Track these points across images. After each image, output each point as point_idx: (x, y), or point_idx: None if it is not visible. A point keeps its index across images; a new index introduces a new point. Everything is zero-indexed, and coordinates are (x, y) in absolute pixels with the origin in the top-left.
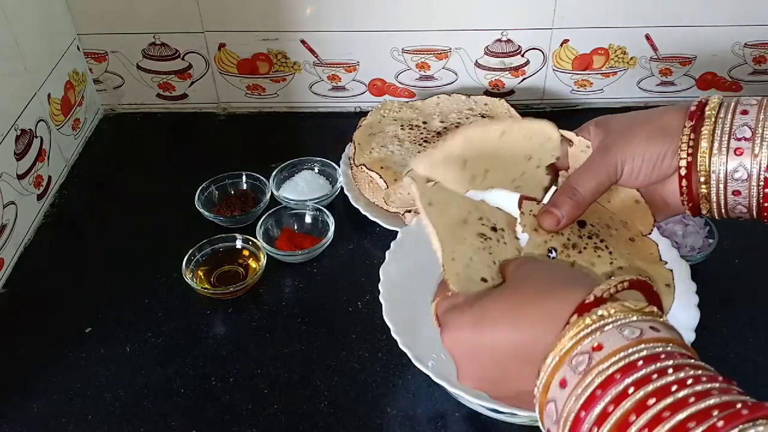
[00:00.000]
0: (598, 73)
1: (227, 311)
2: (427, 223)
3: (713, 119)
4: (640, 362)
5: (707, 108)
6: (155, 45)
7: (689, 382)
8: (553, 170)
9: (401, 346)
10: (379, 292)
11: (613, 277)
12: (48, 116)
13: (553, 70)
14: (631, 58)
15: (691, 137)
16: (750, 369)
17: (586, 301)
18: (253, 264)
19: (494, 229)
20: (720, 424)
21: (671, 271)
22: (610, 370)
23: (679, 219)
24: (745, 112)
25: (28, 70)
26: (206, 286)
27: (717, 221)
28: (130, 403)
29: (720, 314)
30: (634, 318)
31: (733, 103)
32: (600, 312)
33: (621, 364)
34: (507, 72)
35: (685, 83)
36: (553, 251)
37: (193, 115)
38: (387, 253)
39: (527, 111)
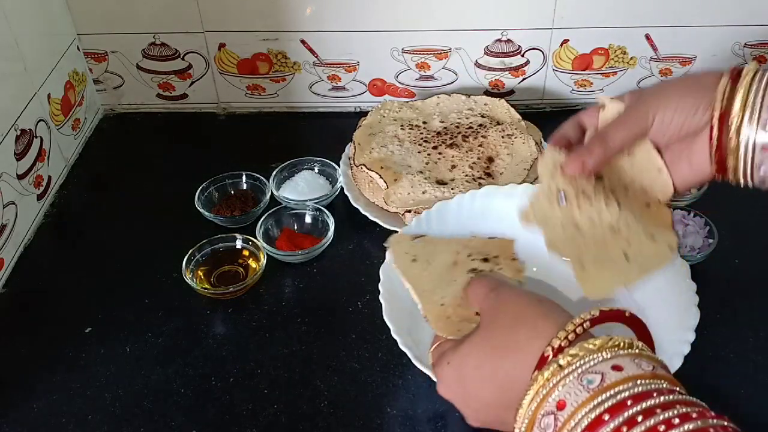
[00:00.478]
0: (598, 73)
1: (227, 311)
2: (404, 282)
3: (749, 78)
4: (606, 416)
5: (744, 70)
6: (155, 45)
7: (661, 429)
8: None
9: (401, 346)
10: (379, 292)
11: (576, 317)
12: (48, 116)
13: (553, 70)
14: (631, 58)
15: (728, 87)
16: (750, 369)
17: (545, 355)
18: (253, 264)
19: (486, 260)
20: None
21: (678, 236)
22: (577, 430)
23: (679, 219)
24: None
25: (28, 70)
26: (206, 286)
27: (717, 221)
28: (130, 403)
29: (720, 314)
30: (593, 362)
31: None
32: (560, 361)
33: (586, 422)
34: (507, 72)
35: None
36: (563, 197)
37: (193, 115)
38: (387, 253)
39: (527, 111)
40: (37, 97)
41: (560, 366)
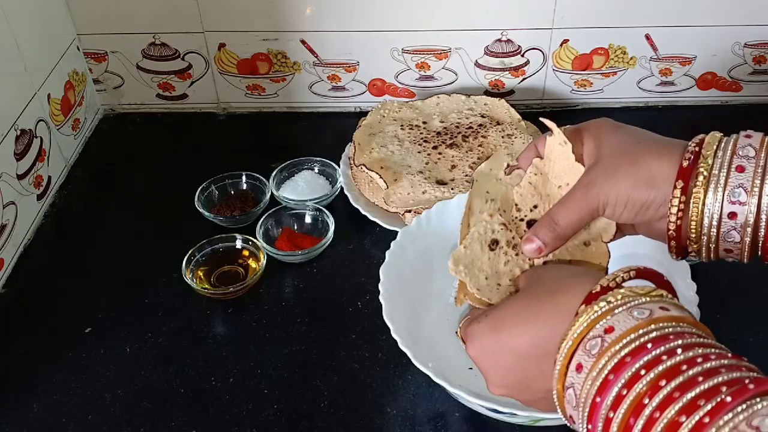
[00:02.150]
0: (598, 73)
1: (227, 311)
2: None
3: (705, 182)
4: (650, 344)
5: (700, 162)
6: (155, 45)
7: (699, 360)
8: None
9: (401, 346)
10: (379, 292)
11: (622, 268)
12: (48, 116)
13: (553, 70)
14: (631, 58)
15: (681, 200)
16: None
17: (593, 291)
18: (253, 264)
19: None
20: (728, 399)
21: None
22: (622, 353)
23: None
24: (741, 169)
25: (28, 70)
26: (206, 286)
27: None
28: (130, 403)
29: (720, 314)
30: (643, 300)
31: (728, 156)
32: (609, 298)
33: (632, 346)
34: (507, 72)
35: (685, 83)
36: (495, 245)
37: (193, 115)
38: (387, 253)
39: (527, 111)
40: (37, 97)
41: (609, 302)
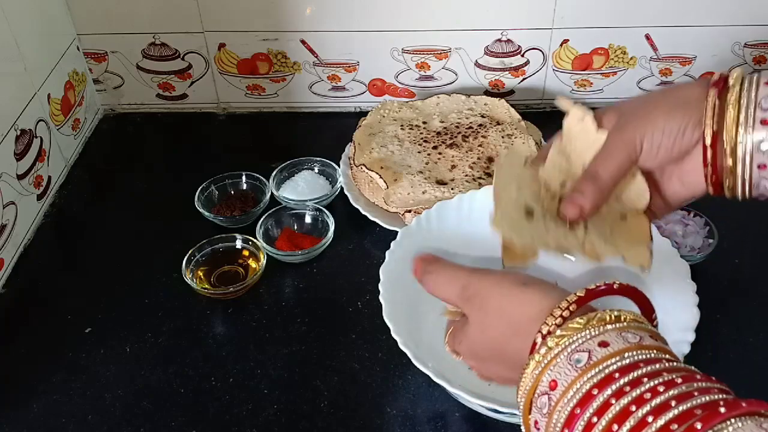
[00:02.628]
0: (598, 73)
1: (227, 311)
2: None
3: (738, 88)
4: (595, 390)
5: (730, 79)
6: (155, 45)
7: (647, 397)
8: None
9: (401, 346)
10: (379, 292)
11: (563, 301)
12: (48, 116)
13: (553, 70)
14: (631, 58)
15: (717, 104)
16: (750, 369)
17: (536, 341)
18: (253, 264)
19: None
20: (698, 426)
21: (650, 254)
22: (569, 407)
23: (679, 219)
24: (765, 122)
25: (28, 70)
26: (206, 286)
27: (717, 221)
28: (130, 403)
29: (720, 314)
30: (580, 341)
31: (755, 76)
32: (549, 343)
33: (577, 398)
34: (507, 72)
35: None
36: (530, 215)
37: (193, 115)
38: (387, 253)
39: (527, 111)
40: (37, 97)
41: (549, 348)
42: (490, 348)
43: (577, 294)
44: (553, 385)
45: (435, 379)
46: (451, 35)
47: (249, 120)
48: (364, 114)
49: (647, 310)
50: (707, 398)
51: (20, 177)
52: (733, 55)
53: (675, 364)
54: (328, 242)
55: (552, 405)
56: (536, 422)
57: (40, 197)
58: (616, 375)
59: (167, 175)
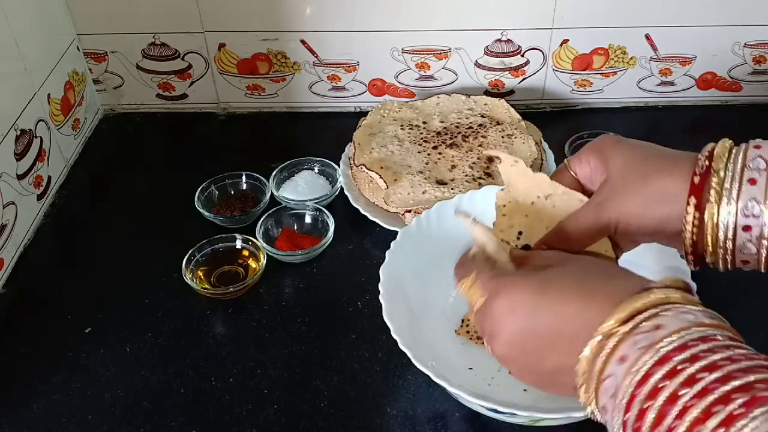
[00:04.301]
0: (598, 73)
1: (227, 311)
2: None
3: (718, 196)
4: (695, 343)
5: (711, 177)
6: (155, 45)
7: (738, 358)
8: None
9: (401, 346)
10: (379, 292)
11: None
12: (48, 116)
13: (553, 70)
14: (631, 58)
15: (696, 216)
16: None
17: (646, 287)
18: (253, 264)
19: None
20: (765, 394)
21: None
22: (667, 348)
23: None
24: (753, 182)
25: (28, 70)
26: (206, 286)
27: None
28: (130, 403)
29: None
30: (692, 306)
31: (739, 168)
32: (660, 295)
33: (677, 343)
34: (507, 72)
35: (685, 83)
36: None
37: (193, 115)
38: (387, 253)
39: (527, 111)
40: (37, 97)
41: (660, 298)
42: (579, 279)
43: (681, 279)
44: (657, 327)
45: (435, 379)
46: (451, 35)
47: (249, 120)
48: (364, 114)
49: None
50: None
51: (20, 177)
52: (733, 55)
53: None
54: (328, 242)
55: (652, 342)
56: (624, 356)
57: (40, 197)
58: (719, 337)
59: (167, 175)
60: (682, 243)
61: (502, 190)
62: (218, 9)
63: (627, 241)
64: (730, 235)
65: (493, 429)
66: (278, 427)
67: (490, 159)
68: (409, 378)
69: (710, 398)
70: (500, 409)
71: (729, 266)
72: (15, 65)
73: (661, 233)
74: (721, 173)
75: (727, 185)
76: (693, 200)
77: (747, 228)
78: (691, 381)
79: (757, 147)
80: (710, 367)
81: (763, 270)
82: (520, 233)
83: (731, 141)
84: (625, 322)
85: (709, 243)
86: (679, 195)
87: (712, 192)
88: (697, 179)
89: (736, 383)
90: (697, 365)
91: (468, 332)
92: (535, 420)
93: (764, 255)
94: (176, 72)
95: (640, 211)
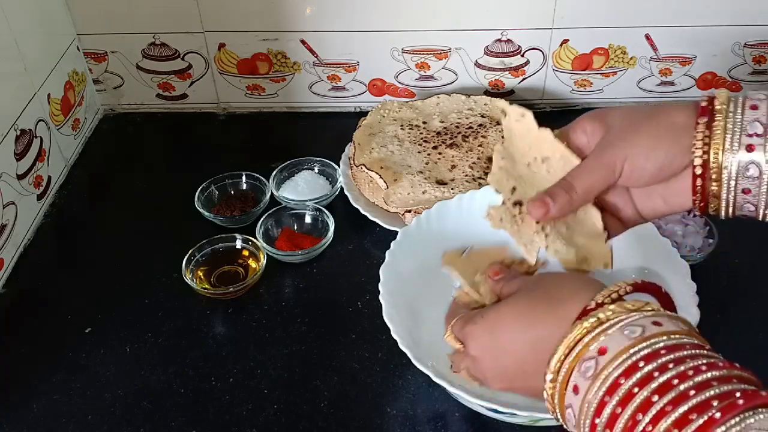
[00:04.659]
0: (597, 73)
1: (227, 311)
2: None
3: (724, 114)
4: (642, 362)
5: (716, 103)
6: (155, 45)
7: (690, 373)
8: None
9: (401, 346)
10: (379, 292)
11: (620, 281)
12: (48, 116)
13: (553, 70)
14: (631, 58)
15: (706, 134)
16: (750, 369)
17: (588, 307)
18: (253, 264)
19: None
20: (717, 415)
21: (611, 250)
22: (615, 374)
23: (679, 219)
24: (754, 107)
25: (28, 71)
26: (206, 286)
27: (717, 221)
28: (130, 403)
29: (720, 314)
30: (635, 316)
31: (741, 99)
32: (599, 314)
33: (624, 366)
34: (507, 72)
35: (685, 83)
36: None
37: (193, 115)
38: (387, 253)
39: None
40: (37, 97)
41: (599, 319)
42: (529, 304)
43: (635, 280)
44: (602, 351)
45: (435, 379)
46: (451, 35)
47: (249, 120)
48: (364, 114)
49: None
50: (746, 387)
51: (20, 177)
52: (733, 55)
53: (714, 354)
54: (328, 242)
55: (598, 369)
56: (576, 386)
57: (40, 197)
58: (663, 351)
59: (167, 175)
60: (685, 186)
61: (502, 143)
62: (218, 9)
63: (634, 184)
64: (735, 153)
65: (493, 429)
66: (278, 427)
67: (491, 159)
68: (409, 378)
69: (668, 421)
70: (500, 409)
71: (731, 197)
72: (15, 65)
73: (668, 170)
74: (724, 99)
75: (731, 108)
76: (703, 119)
77: (750, 147)
78: (646, 405)
79: (756, 90)
80: (662, 389)
81: (762, 207)
82: (514, 188)
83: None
84: (572, 348)
85: (715, 164)
86: (688, 125)
87: (717, 116)
88: (704, 104)
89: (692, 402)
90: (650, 387)
91: None
92: (535, 420)
93: (765, 182)
94: (176, 72)
95: (649, 144)
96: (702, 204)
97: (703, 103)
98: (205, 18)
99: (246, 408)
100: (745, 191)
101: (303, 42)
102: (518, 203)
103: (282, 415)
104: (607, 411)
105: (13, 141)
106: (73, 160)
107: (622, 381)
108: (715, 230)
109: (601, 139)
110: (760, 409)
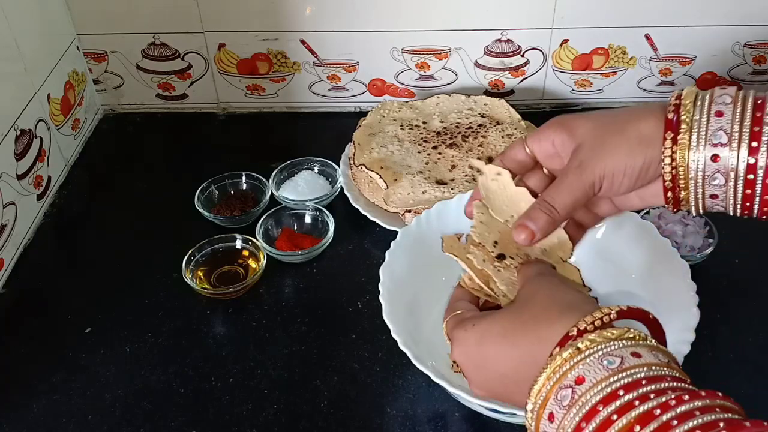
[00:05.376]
0: (597, 73)
1: (227, 311)
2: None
3: (689, 125)
4: (621, 391)
5: (682, 111)
6: (155, 45)
7: (672, 404)
8: None
9: (401, 346)
10: (379, 292)
11: (605, 308)
12: (48, 116)
13: (553, 70)
14: (631, 58)
15: (673, 149)
16: (750, 369)
17: (570, 334)
18: (253, 264)
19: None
20: None
21: (595, 299)
22: (593, 401)
23: (679, 219)
24: (719, 114)
25: (28, 71)
26: (206, 286)
27: (717, 221)
28: (130, 403)
29: (720, 314)
30: (615, 346)
31: (707, 103)
32: (579, 345)
33: (602, 395)
34: (507, 72)
35: (685, 83)
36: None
37: (193, 115)
38: (387, 253)
39: (527, 111)
40: (36, 97)
41: (578, 349)
42: (520, 321)
43: (621, 307)
44: (579, 380)
45: (435, 379)
46: (451, 35)
47: (249, 120)
48: (364, 114)
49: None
50: (730, 415)
51: (20, 177)
52: (733, 55)
53: (695, 388)
54: (328, 242)
55: (575, 398)
56: (551, 414)
57: (40, 197)
58: (644, 381)
59: (167, 175)
60: (659, 189)
61: (481, 201)
62: (218, 9)
63: (613, 194)
64: (700, 164)
65: (493, 429)
66: (278, 427)
67: (491, 159)
68: (409, 378)
69: None
70: (500, 409)
71: (700, 203)
72: (15, 65)
73: (644, 179)
74: (690, 108)
75: (696, 117)
76: (670, 134)
77: (715, 157)
78: None
79: (723, 88)
80: (643, 418)
81: (731, 210)
82: (495, 242)
83: (697, 88)
84: (549, 378)
85: (682, 175)
86: (656, 136)
87: (683, 125)
88: (671, 115)
89: None
90: (629, 416)
91: None
92: None
93: (732, 188)
94: (176, 72)
95: (624, 161)
96: (674, 207)
97: (669, 113)
98: (205, 18)
99: (246, 408)
100: (713, 197)
101: (303, 42)
102: (500, 256)
103: (282, 415)
104: None
105: (13, 141)
106: (73, 160)
107: (600, 408)
108: (715, 230)
109: (573, 154)
110: None
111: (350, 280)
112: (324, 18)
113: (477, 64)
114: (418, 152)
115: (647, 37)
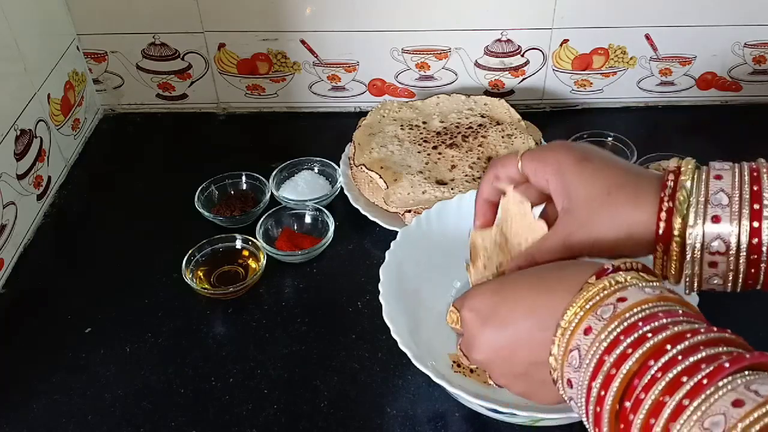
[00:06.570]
0: (597, 73)
1: (227, 311)
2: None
3: (682, 237)
4: (661, 314)
5: (674, 220)
6: (155, 45)
7: (702, 330)
8: None
9: (401, 346)
10: (379, 292)
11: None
12: (48, 116)
13: (553, 70)
14: (631, 58)
15: (664, 258)
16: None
17: (606, 267)
18: (253, 264)
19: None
20: (726, 365)
21: None
22: (633, 318)
23: None
24: (717, 220)
25: (27, 71)
26: (206, 286)
27: None
28: (130, 403)
29: (720, 314)
30: (653, 282)
31: (702, 206)
32: (618, 277)
33: (644, 313)
34: (507, 72)
35: (685, 83)
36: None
37: (193, 115)
38: (387, 253)
39: (527, 111)
40: (36, 98)
41: (618, 280)
42: (530, 275)
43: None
44: (621, 299)
45: (435, 379)
46: (451, 35)
47: (249, 120)
48: (364, 114)
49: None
50: (712, 351)
51: (20, 177)
52: (733, 55)
53: (690, 319)
54: (328, 242)
55: (616, 312)
56: (588, 328)
57: (40, 197)
58: (680, 312)
59: (167, 175)
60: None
61: (498, 224)
62: (218, 9)
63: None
64: (696, 271)
65: (493, 429)
66: (278, 427)
67: (491, 159)
68: (409, 378)
69: (678, 368)
70: (500, 409)
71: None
72: (15, 65)
73: (633, 257)
74: (684, 211)
75: (690, 222)
76: (660, 246)
77: (713, 264)
78: (659, 351)
79: (718, 177)
80: (675, 339)
81: (730, 285)
82: (501, 264)
83: (693, 162)
84: (588, 300)
85: (676, 270)
86: (648, 224)
87: (677, 238)
88: (662, 225)
89: (702, 354)
90: (664, 334)
91: None
92: (535, 420)
93: (731, 278)
94: (176, 72)
95: (612, 245)
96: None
97: (661, 224)
98: (205, 18)
99: (246, 408)
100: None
101: (303, 42)
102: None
103: (282, 415)
104: (618, 349)
105: (13, 141)
106: (73, 160)
107: (640, 324)
108: None
109: (564, 215)
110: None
111: (350, 280)
112: (324, 18)
113: (477, 64)
114: (418, 152)
115: (647, 37)
